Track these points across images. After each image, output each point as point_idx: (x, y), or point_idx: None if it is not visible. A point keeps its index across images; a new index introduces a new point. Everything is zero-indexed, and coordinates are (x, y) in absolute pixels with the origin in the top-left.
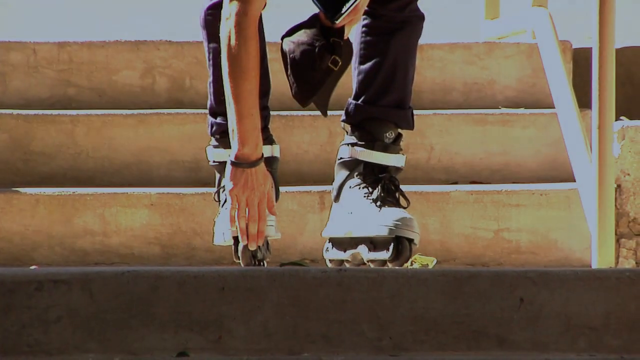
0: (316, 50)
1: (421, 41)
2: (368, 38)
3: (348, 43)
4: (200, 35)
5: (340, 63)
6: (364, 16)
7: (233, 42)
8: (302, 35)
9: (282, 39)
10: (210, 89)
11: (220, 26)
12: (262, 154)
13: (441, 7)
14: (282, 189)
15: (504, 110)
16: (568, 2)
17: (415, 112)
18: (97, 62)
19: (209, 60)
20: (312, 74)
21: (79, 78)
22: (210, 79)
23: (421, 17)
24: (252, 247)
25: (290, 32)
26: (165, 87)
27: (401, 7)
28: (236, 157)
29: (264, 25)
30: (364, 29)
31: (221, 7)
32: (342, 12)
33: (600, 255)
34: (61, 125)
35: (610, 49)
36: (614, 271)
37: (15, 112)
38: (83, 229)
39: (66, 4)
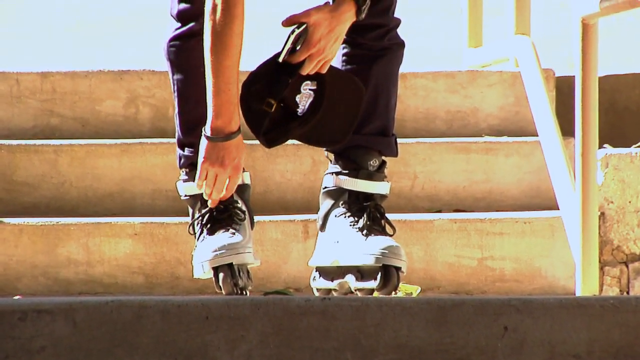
0: (250, 91)
1: (404, 70)
2: (348, 67)
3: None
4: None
5: (274, 105)
6: (344, 45)
7: (218, 18)
8: (252, 80)
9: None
10: (177, 121)
11: (206, 2)
12: (239, 128)
13: (423, 31)
14: (265, 217)
15: (487, 138)
16: (551, 30)
17: (398, 140)
18: (81, 92)
19: (174, 92)
20: (249, 115)
21: (62, 108)
22: (177, 110)
23: (401, 44)
24: (212, 205)
25: (251, 74)
26: (148, 116)
27: (381, 36)
28: (209, 129)
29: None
30: (344, 57)
31: (183, 39)
32: (283, 48)
33: (584, 283)
34: (44, 155)
35: (593, 77)
36: (598, 299)
37: None
38: (67, 259)
39: (49, 33)
